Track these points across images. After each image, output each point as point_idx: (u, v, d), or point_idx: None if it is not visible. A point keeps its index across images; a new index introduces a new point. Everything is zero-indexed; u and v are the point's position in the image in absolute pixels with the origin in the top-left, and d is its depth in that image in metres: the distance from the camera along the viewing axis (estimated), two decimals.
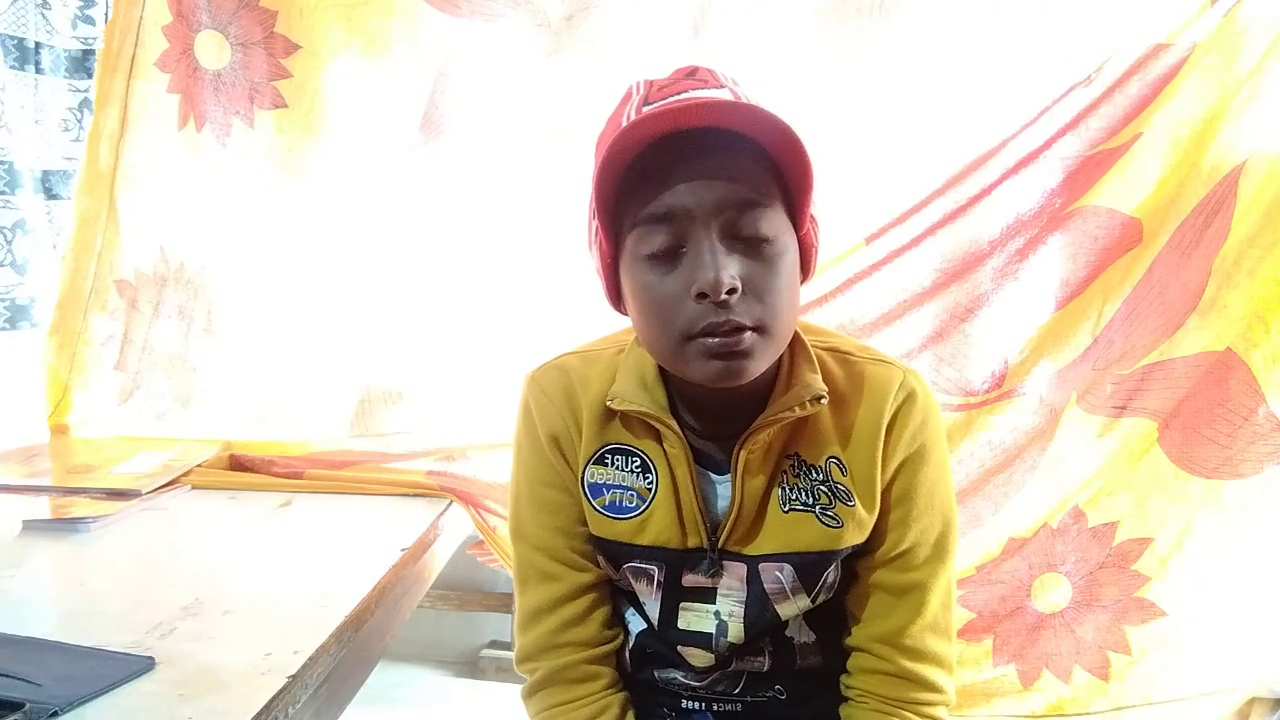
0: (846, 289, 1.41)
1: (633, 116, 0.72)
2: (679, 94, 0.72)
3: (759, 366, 0.72)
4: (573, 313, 1.46)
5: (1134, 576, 1.40)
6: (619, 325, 0.90)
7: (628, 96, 0.77)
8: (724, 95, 0.73)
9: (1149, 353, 1.34)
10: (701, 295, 0.69)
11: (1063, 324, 1.38)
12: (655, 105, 0.71)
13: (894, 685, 0.84)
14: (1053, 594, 1.44)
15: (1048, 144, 1.33)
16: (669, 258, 0.71)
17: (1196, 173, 1.30)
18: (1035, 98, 1.33)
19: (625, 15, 1.45)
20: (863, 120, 1.37)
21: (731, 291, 0.69)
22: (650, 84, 0.75)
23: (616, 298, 0.80)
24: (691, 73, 0.76)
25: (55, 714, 0.74)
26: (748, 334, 0.70)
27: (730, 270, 0.69)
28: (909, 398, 0.82)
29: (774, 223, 0.71)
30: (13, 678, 0.78)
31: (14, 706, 0.74)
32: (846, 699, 0.88)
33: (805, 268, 0.77)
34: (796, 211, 0.74)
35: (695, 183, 0.69)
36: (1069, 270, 1.37)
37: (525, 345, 1.44)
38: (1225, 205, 1.28)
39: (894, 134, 1.38)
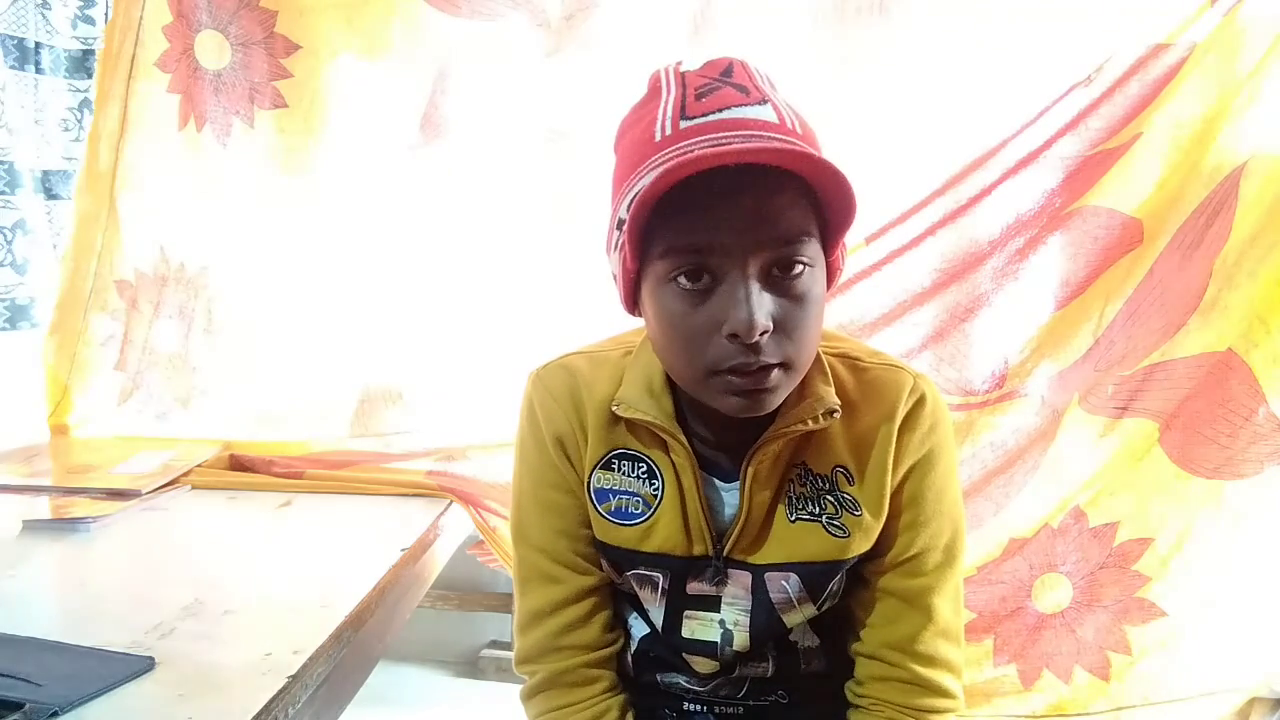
0: (846, 289, 1.41)
1: (668, 128, 0.69)
2: (720, 109, 0.68)
3: (780, 399, 0.72)
4: (573, 312, 1.47)
5: (1134, 577, 1.40)
6: (621, 326, 0.90)
7: (656, 91, 0.73)
8: (767, 113, 0.69)
9: (1150, 353, 1.34)
10: (733, 335, 0.67)
11: (1063, 324, 1.38)
12: (695, 121, 0.68)
13: (907, 692, 0.84)
14: (1053, 594, 1.44)
15: (1048, 144, 1.33)
16: (700, 289, 0.69)
17: (1197, 173, 1.30)
18: (1035, 98, 1.33)
19: (625, 15, 1.45)
20: (863, 120, 1.37)
21: (764, 333, 0.67)
22: (684, 83, 0.71)
23: (632, 304, 0.78)
24: (727, 70, 0.72)
25: (55, 714, 0.74)
26: (774, 372, 0.69)
27: (764, 311, 0.67)
28: (919, 402, 0.81)
29: (809, 259, 0.69)
30: (13, 678, 0.78)
31: (14, 706, 0.74)
32: (854, 705, 0.87)
33: (826, 287, 0.76)
34: (829, 242, 0.72)
35: (737, 220, 0.66)
36: (1069, 270, 1.37)
37: (525, 345, 1.44)
38: (1226, 206, 1.28)
39: (894, 134, 1.38)
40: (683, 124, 0.69)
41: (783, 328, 0.69)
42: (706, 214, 0.67)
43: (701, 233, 0.67)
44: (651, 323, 0.75)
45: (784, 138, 0.68)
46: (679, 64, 0.75)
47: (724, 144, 0.66)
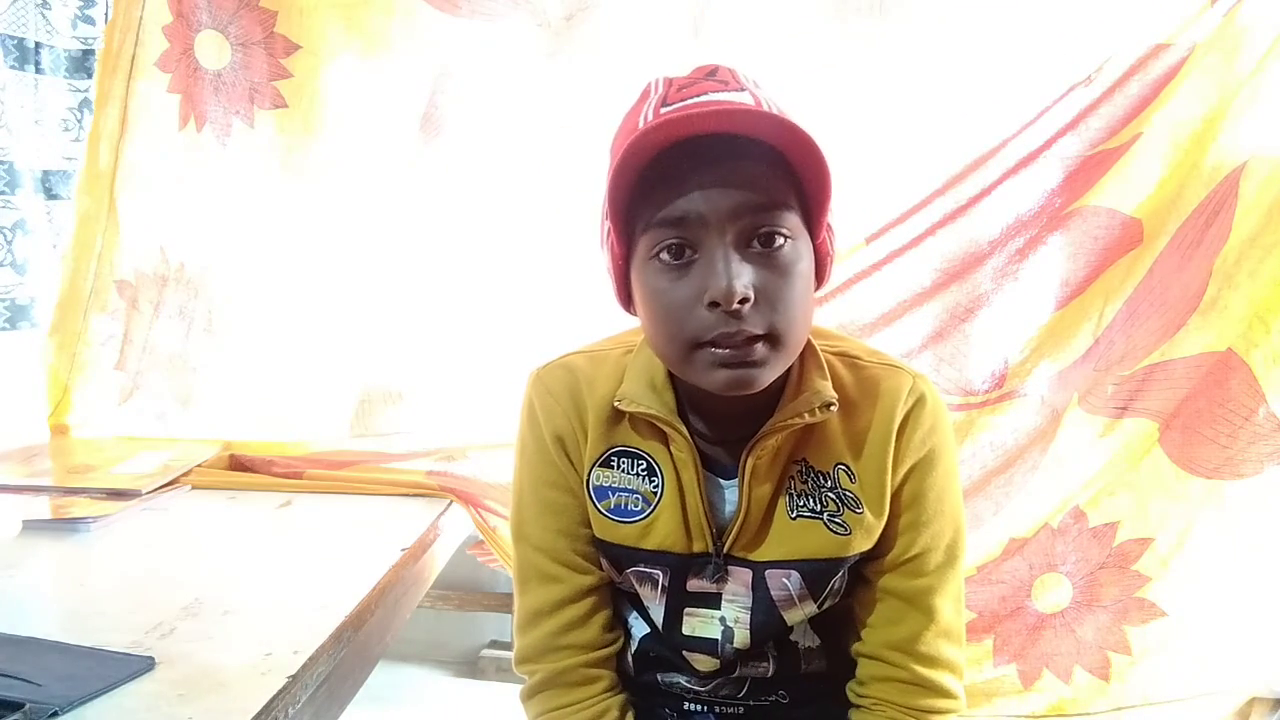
0: (846, 289, 1.41)
1: (650, 117, 0.71)
2: (699, 95, 0.71)
3: (769, 376, 0.72)
4: (573, 312, 1.47)
5: (1134, 577, 1.40)
6: (622, 325, 0.90)
7: (645, 94, 0.75)
8: (744, 99, 0.71)
9: (1150, 353, 1.34)
10: (713, 304, 0.68)
11: (1063, 324, 1.38)
12: (674, 107, 0.70)
13: (909, 693, 0.84)
14: (1053, 594, 1.44)
15: (1048, 144, 1.33)
16: (682, 263, 0.70)
17: (1197, 173, 1.30)
18: (1035, 98, 1.34)
19: (625, 15, 1.45)
20: (862, 120, 1.37)
21: (744, 301, 0.68)
22: (670, 83, 0.74)
23: (626, 298, 0.79)
24: (712, 72, 0.74)
25: (55, 714, 0.74)
26: (759, 345, 0.69)
27: (743, 279, 0.68)
28: (918, 402, 0.81)
29: (789, 231, 0.70)
30: (13, 678, 0.78)
31: (14, 706, 0.74)
32: (855, 705, 0.87)
33: (820, 275, 0.76)
34: (813, 219, 0.73)
35: (711, 189, 0.68)
36: (1069, 270, 1.37)
37: (525, 345, 1.45)
38: (1226, 206, 1.28)
39: (894, 134, 1.38)
40: (663, 110, 0.71)
41: (765, 298, 0.69)
42: (682, 185, 0.69)
43: (678, 203, 0.69)
44: (640, 306, 0.76)
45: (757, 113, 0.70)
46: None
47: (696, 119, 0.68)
